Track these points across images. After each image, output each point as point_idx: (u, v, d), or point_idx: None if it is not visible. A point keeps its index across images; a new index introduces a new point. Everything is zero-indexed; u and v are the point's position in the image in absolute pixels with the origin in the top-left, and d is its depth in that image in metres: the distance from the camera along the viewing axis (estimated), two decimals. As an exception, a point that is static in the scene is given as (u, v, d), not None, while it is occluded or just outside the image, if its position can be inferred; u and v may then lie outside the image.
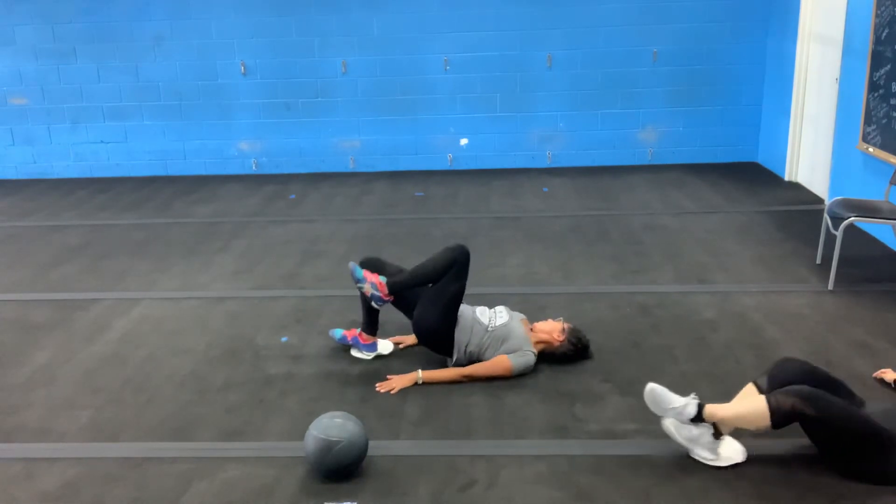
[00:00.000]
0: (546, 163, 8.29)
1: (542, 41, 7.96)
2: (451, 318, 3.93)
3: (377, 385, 3.85)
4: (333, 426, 3.11)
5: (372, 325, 4.14)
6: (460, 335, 3.93)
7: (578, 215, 6.59)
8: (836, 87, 6.45)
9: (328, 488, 3.08)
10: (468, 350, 3.92)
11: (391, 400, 3.73)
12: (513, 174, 8.03)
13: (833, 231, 4.95)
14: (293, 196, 7.48)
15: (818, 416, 2.97)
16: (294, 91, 8.17)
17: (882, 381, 3.75)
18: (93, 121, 8.32)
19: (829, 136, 6.61)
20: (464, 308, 4.02)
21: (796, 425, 3.05)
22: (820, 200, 6.76)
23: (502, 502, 2.98)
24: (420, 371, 3.88)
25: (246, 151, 8.39)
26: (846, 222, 4.82)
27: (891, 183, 5.20)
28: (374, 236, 6.20)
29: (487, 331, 3.94)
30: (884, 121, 5.52)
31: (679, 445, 3.16)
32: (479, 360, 3.93)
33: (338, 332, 4.21)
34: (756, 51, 7.92)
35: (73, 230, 6.60)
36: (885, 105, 5.51)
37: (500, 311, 4.07)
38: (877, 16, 5.61)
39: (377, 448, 3.28)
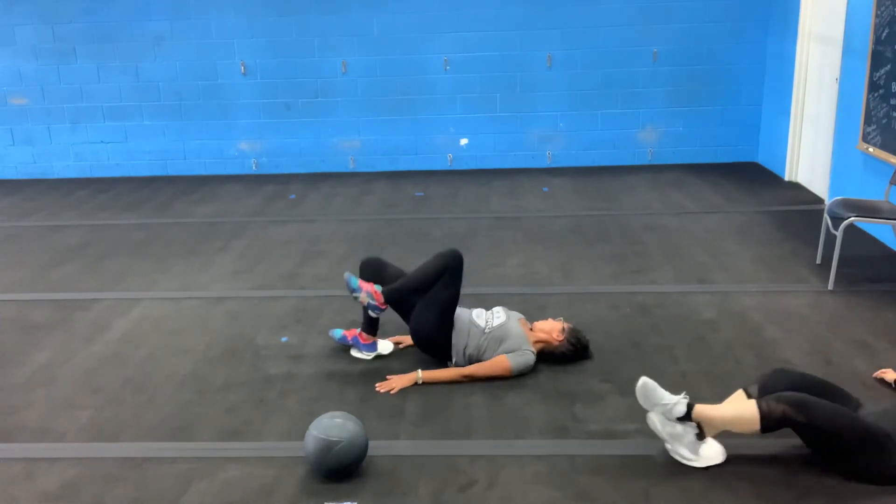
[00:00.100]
0: (546, 163, 8.30)
1: (542, 41, 7.97)
2: (446, 323, 3.93)
3: (377, 385, 3.85)
4: (333, 426, 3.11)
5: (372, 325, 4.14)
6: (457, 339, 3.93)
7: (578, 215, 6.59)
8: (836, 87, 6.45)
9: (328, 488, 3.08)
10: (467, 353, 3.92)
11: (391, 400, 3.73)
12: (513, 174, 8.03)
13: (833, 231, 4.95)
14: (293, 196, 7.48)
15: (809, 423, 2.98)
16: (294, 91, 8.17)
17: (882, 381, 3.75)
18: (93, 121, 8.32)
19: (829, 136, 6.61)
20: (460, 311, 4.02)
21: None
22: (820, 200, 6.76)
23: (502, 502, 2.98)
24: (420, 371, 3.88)
25: (246, 151, 8.39)
26: (846, 222, 4.82)
27: (891, 183, 5.20)
28: (374, 236, 6.20)
29: (485, 332, 3.94)
30: (884, 121, 5.52)
31: (661, 441, 3.17)
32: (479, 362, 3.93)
33: (338, 332, 4.21)
34: (756, 51, 7.92)
35: (73, 230, 6.60)
36: (885, 105, 5.51)
37: (498, 312, 4.07)
38: (877, 16, 5.61)
39: (377, 448, 3.29)
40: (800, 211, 6.53)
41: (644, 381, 3.13)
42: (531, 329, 4.07)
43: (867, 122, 5.76)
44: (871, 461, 2.97)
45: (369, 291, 3.99)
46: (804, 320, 4.46)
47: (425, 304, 3.93)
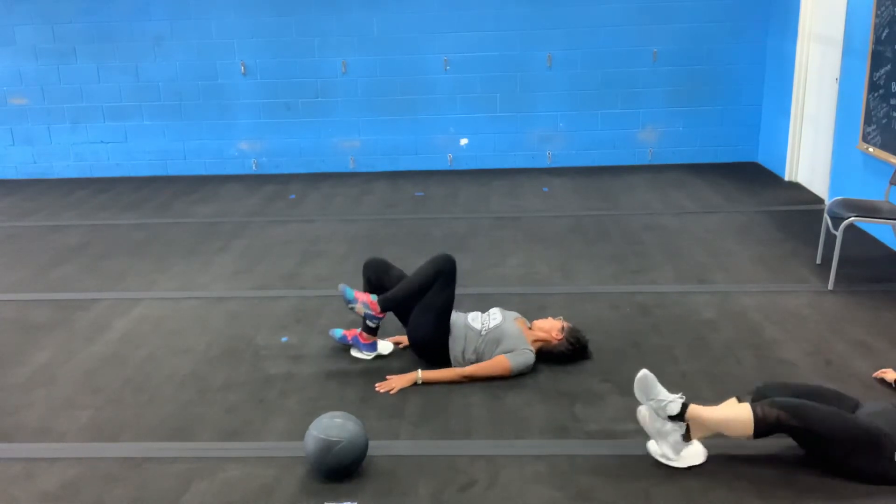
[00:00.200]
0: (546, 163, 8.29)
1: (542, 41, 7.97)
2: (442, 328, 3.93)
3: (376, 385, 3.85)
4: (333, 426, 3.11)
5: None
6: (454, 344, 3.93)
7: (578, 215, 6.59)
8: (836, 87, 6.45)
9: (328, 488, 3.08)
10: (466, 357, 3.92)
11: (391, 400, 3.73)
12: (513, 174, 8.03)
13: (833, 231, 4.95)
14: (293, 196, 7.48)
15: (804, 427, 2.98)
16: (294, 91, 8.17)
17: (882, 380, 3.75)
18: (93, 121, 8.32)
19: (829, 136, 6.61)
20: (455, 316, 4.02)
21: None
22: (820, 200, 6.76)
23: (502, 502, 2.98)
24: (420, 371, 3.88)
25: (246, 151, 8.39)
26: (846, 222, 4.82)
27: (891, 183, 5.20)
28: (374, 236, 6.20)
29: (482, 335, 3.93)
30: (884, 121, 5.52)
31: (647, 434, 3.18)
32: (479, 364, 3.94)
33: (338, 332, 4.21)
34: (756, 51, 7.92)
35: (73, 230, 6.60)
36: (885, 105, 5.51)
37: (494, 313, 4.07)
38: (877, 16, 5.61)
39: (377, 448, 3.29)
40: (800, 211, 6.53)
41: (645, 373, 3.13)
42: (530, 328, 4.07)
43: (867, 122, 5.76)
44: (870, 462, 2.97)
45: (365, 302, 4.02)
46: (804, 320, 4.46)
47: (421, 309, 3.95)
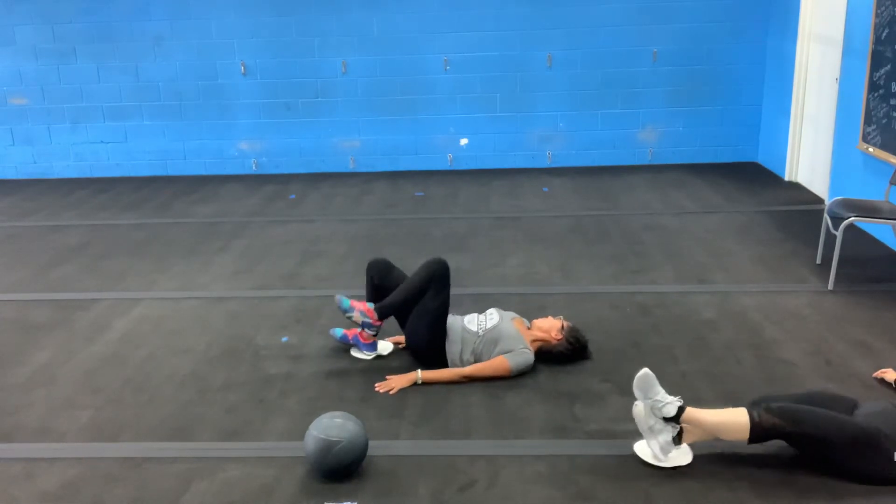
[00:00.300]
0: (546, 163, 8.29)
1: (542, 41, 7.96)
2: (438, 332, 3.94)
3: (376, 385, 3.85)
4: (333, 426, 3.11)
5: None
6: (451, 348, 3.94)
7: (578, 215, 6.59)
8: (836, 87, 6.45)
9: (328, 488, 3.08)
10: (464, 359, 3.93)
11: (391, 400, 3.73)
12: (513, 174, 8.03)
13: (833, 231, 4.95)
14: (293, 196, 7.48)
15: (800, 432, 2.98)
16: (294, 91, 8.17)
17: (882, 380, 3.75)
18: (93, 121, 8.32)
19: (829, 136, 6.61)
20: (451, 320, 4.03)
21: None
22: (820, 200, 6.76)
23: (502, 502, 2.98)
24: (419, 371, 3.88)
25: (246, 151, 8.39)
26: (846, 222, 4.82)
27: (891, 183, 5.20)
28: (374, 236, 6.20)
29: (479, 336, 3.94)
30: (884, 121, 5.52)
31: (638, 430, 3.19)
32: (478, 366, 3.95)
33: (338, 332, 4.21)
34: (756, 51, 7.92)
35: (73, 230, 6.60)
36: (885, 105, 5.51)
37: (491, 314, 4.07)
38: (877, 16, 5.61)
39: (377, 448, 3.29)
40: (800, 211, 6.53)
41: (646, 371, 3.14)
42: (529, 328, 4.06)
43: (867, 122, 5.76)
44: (869, 463, 2.97)
45: (362, 310, 4.04)
46: (804, 320, 4.46)
47: (417, 315, 3.96)
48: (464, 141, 8.26)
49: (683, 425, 3.11)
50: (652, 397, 3.11)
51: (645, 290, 4.95)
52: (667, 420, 3.09)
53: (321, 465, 3.09)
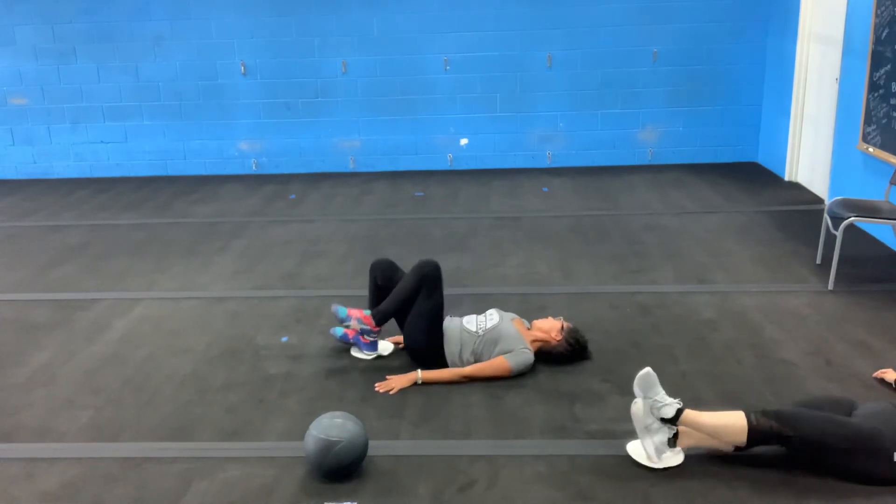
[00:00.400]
0: (546, 163, 8.29)
1: (542, 41, 7.96)
2: (435, 333, 3.95)
3: (376, 385, 3.85)
4: (333, 426, 3.11)
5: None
6: (450, 348, 3.94)
7: (578, 215, 6.59)
8: (836, 87, 6.45)
9: (328, 488, 3.08)
10: (464, 359, 3.93)
11: (391, 400, 3.73)
12: (513, 174, 8.03)
13: (833, 231, 4.95)
14: (293, 196, 7.48)
15: (799, 435, 2.98)
16: (294, 91, 8.17)
17: (882, 380, 3.75)
18: (93, 121, 8.32)
19: (829, 136, 6.61)
20: (449, 321, 4.04)
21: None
22: (820, 200, 6.76)
23: (502, 502, 2.98)
24: (419, 371, 3.88)
25: (246, 151, 8.39)
26: (846, 222, 4.82)
27: (891, 183, 5.20)
28: (374, 236, 6.20)
29: (478, 335, 3.94)
30: (884, 121, 5.52)
31: (634, 428, 3.19)
32: (478, 366, 3.95)
33: (338, 331, 4.20)
34: (756, 51, 7.92)
35: (73, 230, 6.60)
36: (885, 105, 5.51)
37: (491, 314, 4.07)
38: (877, 16, 5.61)
39: (377, 448, 3.29)
40: (800, 211, 6.53)
41: (648, 370, 3.14)
42: (529, 328, 4.07)
43: (867, 122, 5.76)
44: (869, 464, 2.96)
45: (359, 318, 4.07)
46: (804, 320, 4.46)
47: (413, 317, 3.98)
48: (464, 141, 8.26)
49: (680, 428, 3.11)
50: (651, 397, 3.11)
51: (645, 290, 4.95)
52: (664, 421, 3.09)
53: (321, 465, 3.09)
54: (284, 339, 4.42)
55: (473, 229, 6.30)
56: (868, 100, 5.74)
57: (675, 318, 4.53)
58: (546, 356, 3.99)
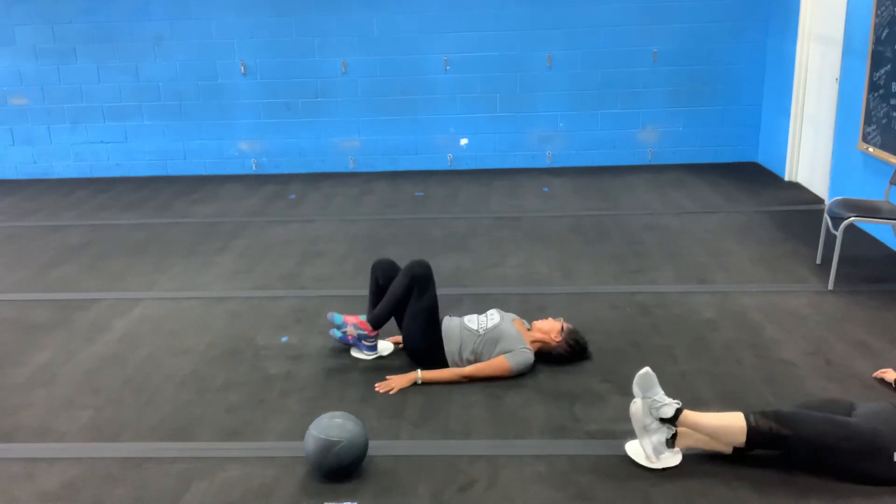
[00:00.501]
0: (546, 163, 8.29)
1: (542, 41, 7.96)
2: (432, 333, 3.95)
3: (376, 385, 3.85)
4: (333, 426, 3.11)
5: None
6: (450, 346, 3.94)
7: (578, 215, 6.59)
8: (836, 87, 6.45)
9: (328, 488, 3.08)
10: (464, 357, 3.93)
11: (391, 400, 3.73)
12: (513, 174, 8.03)
13: (833, 231, 4.95)
14: (293, 196, 7.48)
15: (798, 436, 2.98)
16: (294, 91, 8.17)
17: (882, 380, 3.75)
18: (93, 121, 8.32)
19: (829, 136, 6.61)
20: (450, 320, 4.04)
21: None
22: (820, 200, 6.76)
23: (502, 502, 2.98)
24: (419, 371, 3.88)
25: (246, 151, 8.39)
26: (846, 222, 4.82)
27: (891, 183, 5.20)
28: (374, 236, 6.20)
29: (479, 335, 3.94)
30: (884, 121, 5.52)
31: (633, 428, 3.19)
32: (478, 365, 3.95)
33: (337, 333, 4.21)
34: (756, 51, 7.92)
35: (73, 230, 6.60)
36: (885, 105, 5.51)
37: (492, 314, 4.07)
38: (877, 16, 5.61)
39: (377, 448, 3.29)
40: (800, 211, 6.53)
41: (648, 370, 3.14)
42: (529, 329, 4.07)
43: (867, 122, 5.76)
44: (869, 465, 2.96)
45: (355, 324, 4.08)
46: (804, 320, 4.46)
47: (409, 318, 3.98)
48: (464, 141, 8.26)
49: (679, 428, 3.11)
50: (651, 397, 3.11)
51: (645, 290, 4.95)
52: (663, 421, 3.09)
53: (321, 465, 3.09)
54: (284, 339, 4.42)
55: (473, 229, 6.30)
56: (868, 100, 5.74)
57: (675, 318, 4.53)
58: (546, 357, 3.99)
